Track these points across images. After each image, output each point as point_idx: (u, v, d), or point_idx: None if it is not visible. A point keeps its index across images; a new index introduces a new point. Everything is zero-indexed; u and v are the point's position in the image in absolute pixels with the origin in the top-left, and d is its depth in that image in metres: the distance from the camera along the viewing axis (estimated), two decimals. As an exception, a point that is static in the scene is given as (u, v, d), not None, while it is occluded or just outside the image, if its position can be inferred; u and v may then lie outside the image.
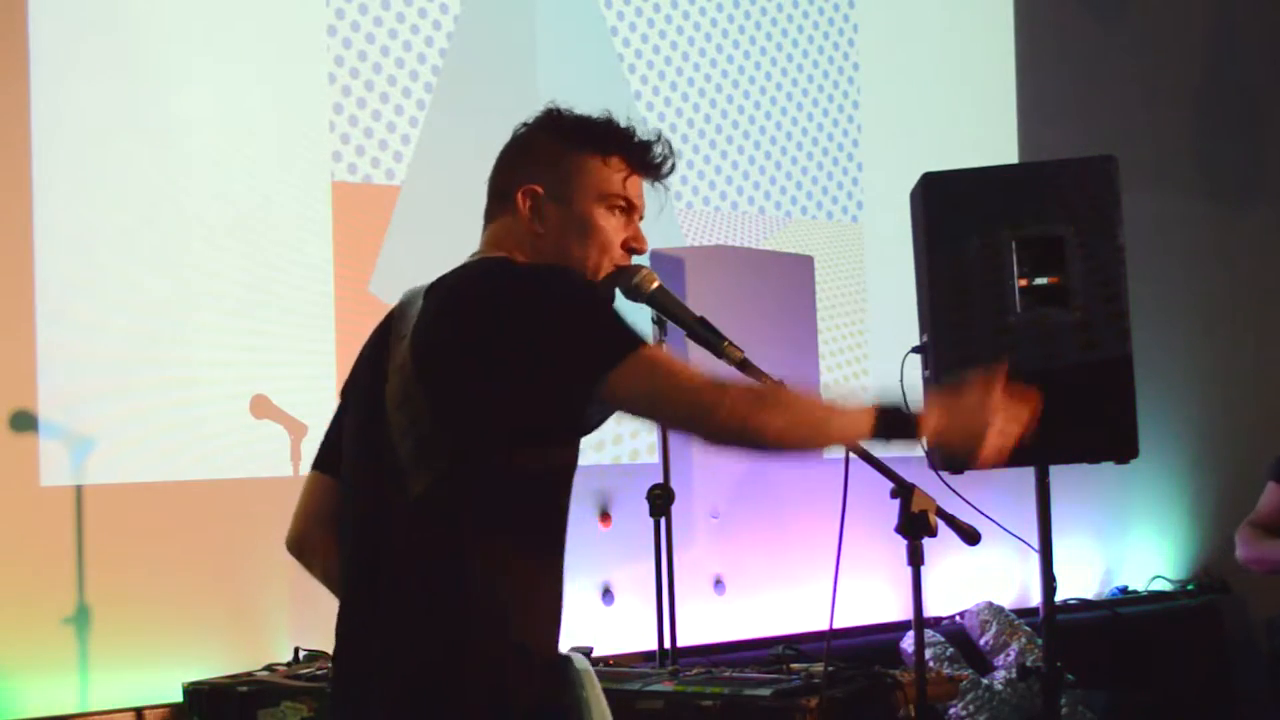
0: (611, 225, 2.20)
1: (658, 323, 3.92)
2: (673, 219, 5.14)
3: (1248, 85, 6.79)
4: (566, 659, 2.11)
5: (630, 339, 1.99)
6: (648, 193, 2.27)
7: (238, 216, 4.29)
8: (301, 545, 2.38)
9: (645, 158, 2.22)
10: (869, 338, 5.58)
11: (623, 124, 2.23)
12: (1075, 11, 6.33)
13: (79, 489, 4.00)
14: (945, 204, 3.76)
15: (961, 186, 3.80)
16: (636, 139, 2.22)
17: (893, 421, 2.06)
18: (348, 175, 4.49)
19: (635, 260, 2.25)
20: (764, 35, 5.43)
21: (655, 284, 2.24)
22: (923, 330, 3.86)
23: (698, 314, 2.28)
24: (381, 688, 2.04)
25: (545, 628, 2.10)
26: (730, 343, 2.24)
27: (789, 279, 5.33)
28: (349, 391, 2.32)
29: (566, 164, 2.19)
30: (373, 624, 2.09)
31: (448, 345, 2.05)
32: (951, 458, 3.67)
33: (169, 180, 4.19)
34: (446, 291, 2.12)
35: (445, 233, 4.57)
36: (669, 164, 2.24)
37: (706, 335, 2.25)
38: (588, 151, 2.20)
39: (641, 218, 2.25)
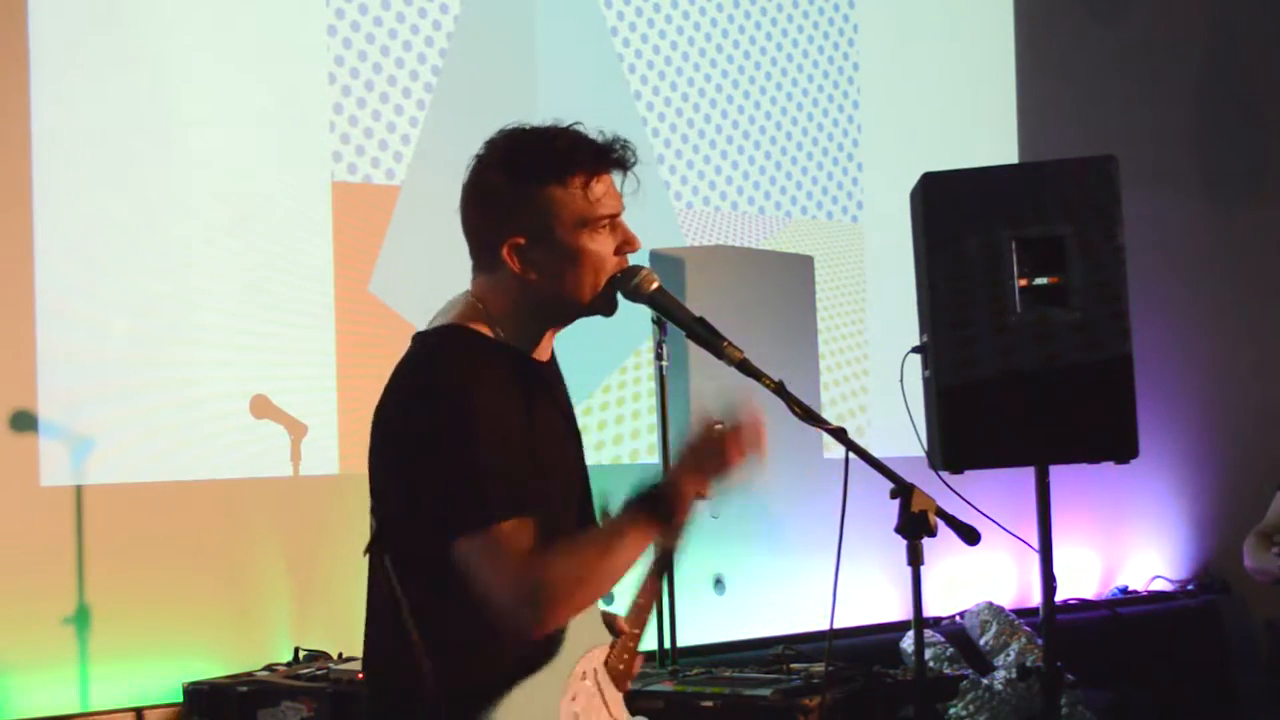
0: (600, 243, 2.18)
1: (657, 323, 3.93)
2: (673, 219, 5.14)
3: (1248, 85, 6.79)
4: None
5: (481, 511, 2.04)
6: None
7: (238, 216, 4.29)
8: None
9: (604, 161, 2.18)
10: (869, 338, 5.58)
11: (568, 133, 2.18)
12: (1075, 12, 6.33)
13: (79, 489, 4.00)
14: (945, 204, 3.76)
15: (961, 186, 3.79)
16: (586, 148, 2.17)
17: (658, 505, 2.12)
18: (348, 175, 4.49)
19: (632, 260, 2.24)
20: (764, 35, 5.43)
21: (655, 284, 2.24)
22: (923, 330, 3.86)
23: (697, 314, 2.27)
24: None
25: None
26: (730, 343, 2.23)
27: (789, 279, 5.33)
28: None
29: (538, 204, 2.15)
30: None
31: (372, 449, 2.18)
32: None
33: (169, 180, 4.19)
34: (385, 392, 2.18)
35: (445, 233, 4.58)
36: (630, 154, 2.20)
37: (706, 336, 2.25)
38: (550, 183, 2.15)
39: (623, 209, 2.22)
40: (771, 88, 5.44)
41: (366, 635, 2.23)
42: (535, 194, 2.15)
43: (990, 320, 3.67)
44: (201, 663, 3.96)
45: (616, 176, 2.20)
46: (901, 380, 3.77)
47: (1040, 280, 3.67)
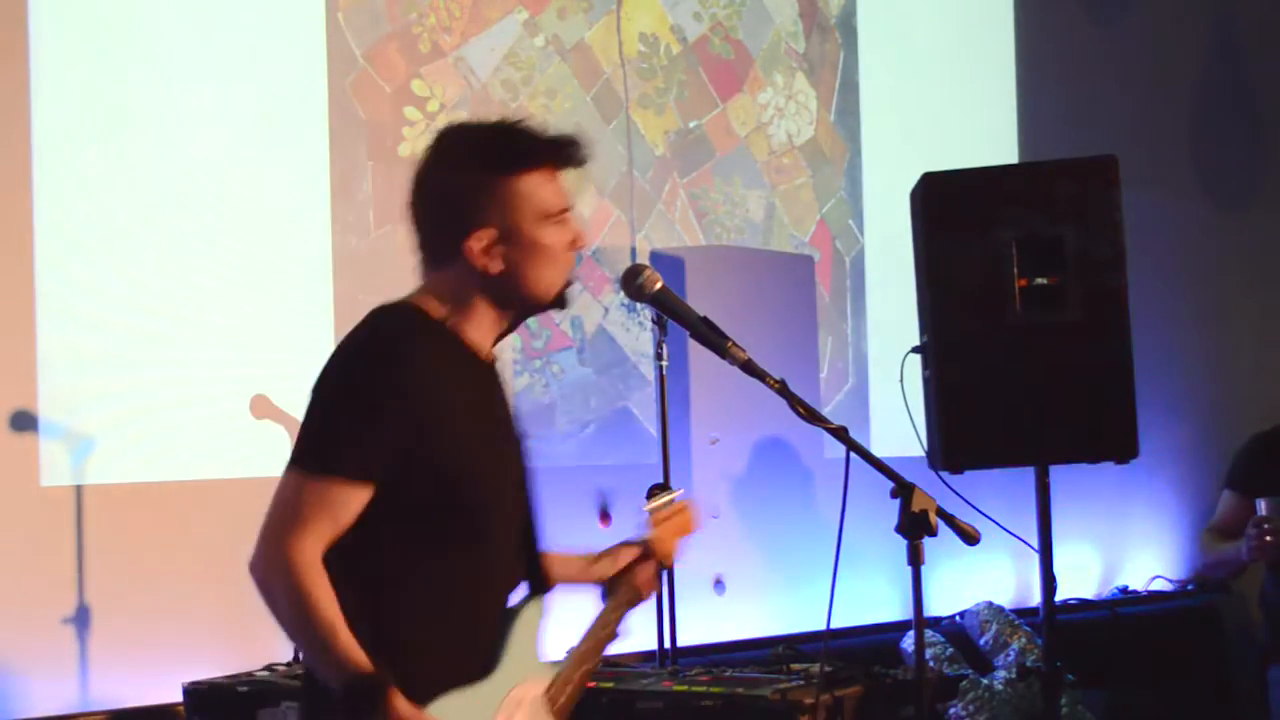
0: (557, 238, 2.19)
1: (658, 322, 3.93)
2: (673, 219, 5.14)
3: (1248, 85, 6.79)
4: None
5: (316, 456, 2.06)
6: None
7: (238, 216, 4.29)
8: None
9: (563, 156, 2.21)
10: (869, 337, 5.58)
11: (524, 127, 2.21)
12: (1075, 12, 6.33)
13: (79, 489, 4.00)
14: (945, 204, 3.76)
15: (961, 186, 3.80)
16: (547, 142, 2.21)
17: (362, 693, 2.01)
18: (347, 174, 4.48)
19: (635, 257, 2.26)
20: (762, 34, 5.43)
21: (659, 285, 2.25)
22: (923, 330, 3.86)
23: (701, 314, 2.28)
24: None
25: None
26: (734, 343, 2.24)
27: (789, 279, 5.33)
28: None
29: (503, 196, 2.16)
30: None
31: None
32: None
33: (169, 180, 4.19)
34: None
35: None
36: (585, 152, 2.23)
37: (709, 336, 2.26)
38: (514, 174, 2.17)
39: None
40: (770, 86, 5.44)
41: None
42: (500, 185, 2.16)
43: (990, 320, 3.67)
44: (201, 663, 3.95)
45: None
46: (901, 380, 3.77)
47: (1040, 280, 3.68)
